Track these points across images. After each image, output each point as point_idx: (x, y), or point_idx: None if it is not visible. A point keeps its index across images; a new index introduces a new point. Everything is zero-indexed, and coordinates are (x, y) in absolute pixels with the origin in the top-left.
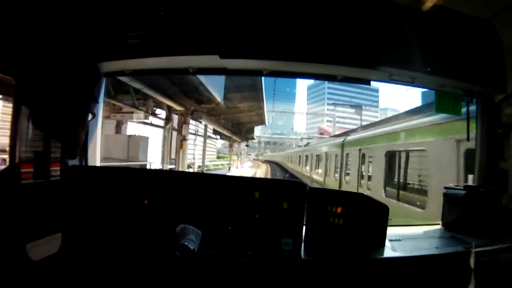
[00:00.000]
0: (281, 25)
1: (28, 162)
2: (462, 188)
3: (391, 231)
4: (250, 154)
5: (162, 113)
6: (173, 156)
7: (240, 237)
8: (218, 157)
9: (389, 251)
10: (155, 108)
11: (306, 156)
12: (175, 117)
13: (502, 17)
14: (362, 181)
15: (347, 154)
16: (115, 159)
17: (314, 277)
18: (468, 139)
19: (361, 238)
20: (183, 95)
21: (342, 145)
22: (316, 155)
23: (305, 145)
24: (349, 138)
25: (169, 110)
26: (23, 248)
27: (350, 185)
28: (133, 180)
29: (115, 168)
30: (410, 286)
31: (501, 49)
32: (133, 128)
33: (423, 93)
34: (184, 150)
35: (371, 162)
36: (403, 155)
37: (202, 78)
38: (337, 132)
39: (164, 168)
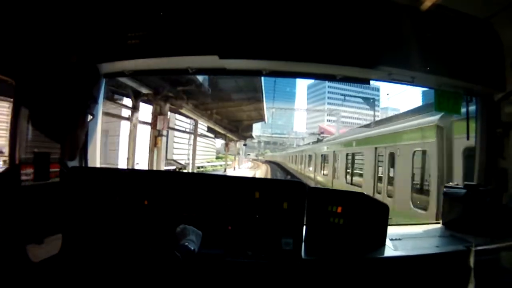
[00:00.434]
0: (280, 25)
1: (28, 163)
2: (462, 187)
3: (391, 231)
4: (249, 154)
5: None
6: (143, 155)
7: (240, 237)
8: (217, 158)
9: (389, 251)
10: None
11: (315, 155)
12: (147, 107)
13: (501, 17)
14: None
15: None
16: None
17: (314, 277)
18: (467, 138)
19: (362, 238)
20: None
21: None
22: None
23: (314, 142)
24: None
25: (136, 96)
26: (24, 249)
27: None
28: (133, 181)
29: (115, 169)
30: (410, 285)
31: (501, 48)
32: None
33: (423, 92)
34: (159, 148)
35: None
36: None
37: None
38: (340, 132)
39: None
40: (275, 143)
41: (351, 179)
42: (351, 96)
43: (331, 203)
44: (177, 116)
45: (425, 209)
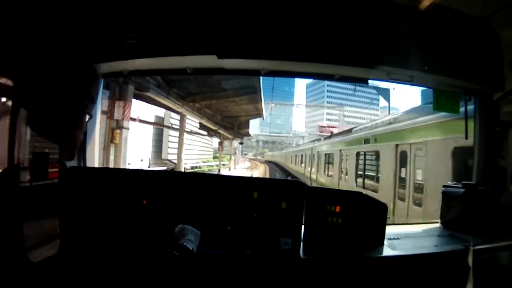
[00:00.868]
0: (278, 24)
1: (26, 163)
2: (460, 186)
3: (389, 230)
4: (246, 154)
5: None
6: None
7: (239, 237)
8: (214, 158)
9: (388, 250)
10: None
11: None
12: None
13: (500, 16)
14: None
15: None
16: None
17: (313, 277)
18: (466, 137)
19: (360, 237)
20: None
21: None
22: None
23: (326, 138)
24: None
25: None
26: (23, 250)
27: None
28: (131, 180)
29: (113, 169)
30: (409, 285)
31: (499, 48)
32: None
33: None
34: (118, 144)
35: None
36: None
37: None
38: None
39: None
40: (274, 142)
41: (363, 182)
42: (350, 94)
43: (330, 203)
44: (173, 114)
45: None
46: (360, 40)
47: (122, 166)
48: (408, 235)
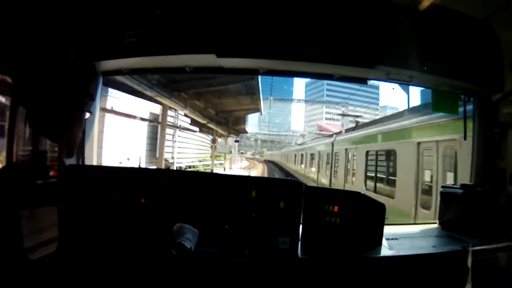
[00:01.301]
0: (278, 24)
1: (25, 161)
2: (459, 187)
3: (387, 230)
4: (242, 153)
5: None
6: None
7: (237, 236)
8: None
9: (386, 250)
10: None
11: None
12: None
13: (499, 16)
14: None
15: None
16: None
17: (311, 276)
18: (465, 138)
19: (358, 237)
20: None
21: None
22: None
23: (348, 131)
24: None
25: None
26: (21, 248)
27: None
28: (130, 179)
29: (112, 167)
30: (407, 285)
31: (499, 48)
32: None
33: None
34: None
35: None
36: None
37: None
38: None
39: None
40: (273, 141)
41: (375, 186)
42: (351, 93)
43: (328, 202)
44: (169, 112)
45: None
46: (359, 40)
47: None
48: (406, 236)
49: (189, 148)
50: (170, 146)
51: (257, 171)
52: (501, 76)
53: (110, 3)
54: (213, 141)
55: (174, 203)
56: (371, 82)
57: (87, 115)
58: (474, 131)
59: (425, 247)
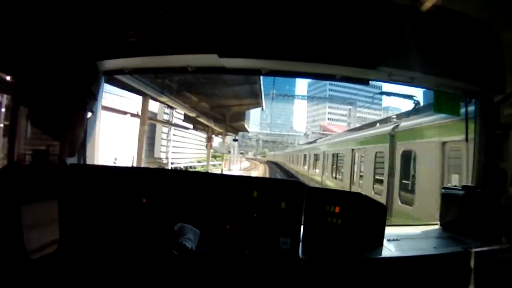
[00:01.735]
0: (280, 24)
1: (26, 160)
2: (460, 188)
3: (389, 231)
4: (242, 153)
5: None
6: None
7: (238, 236)
8: (213, 157)
9: (387, 251)
10: None
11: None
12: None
13: (501, 18)
14: None
15: None
16: None
17: (311, 277)
18: (466, 139)
19: (359, 238)
20: None
21: None
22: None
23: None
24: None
25: None
26: (22, 247)
27: None
28: (131, 178)
29: (114, 167)
30: (408, 286)
31: (500, 50)
32: None
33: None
34: None
35: None
36: None
37: None
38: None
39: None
40: (274, 141)
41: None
42: (353, 94)
43: (329, 203)
44: (166, 109)
45: None
46: (361, 40)
47: None
48: (407, 237)
49: (186, 148)
50: (164, 146)
51: (258, 172)
52: (502, 77)
53: (112, 2)
54: (208, 139)
55: (176, 203)
56: (373, 83)
57: (89, 114)
58: (475, 132)
59: (426, 248)
